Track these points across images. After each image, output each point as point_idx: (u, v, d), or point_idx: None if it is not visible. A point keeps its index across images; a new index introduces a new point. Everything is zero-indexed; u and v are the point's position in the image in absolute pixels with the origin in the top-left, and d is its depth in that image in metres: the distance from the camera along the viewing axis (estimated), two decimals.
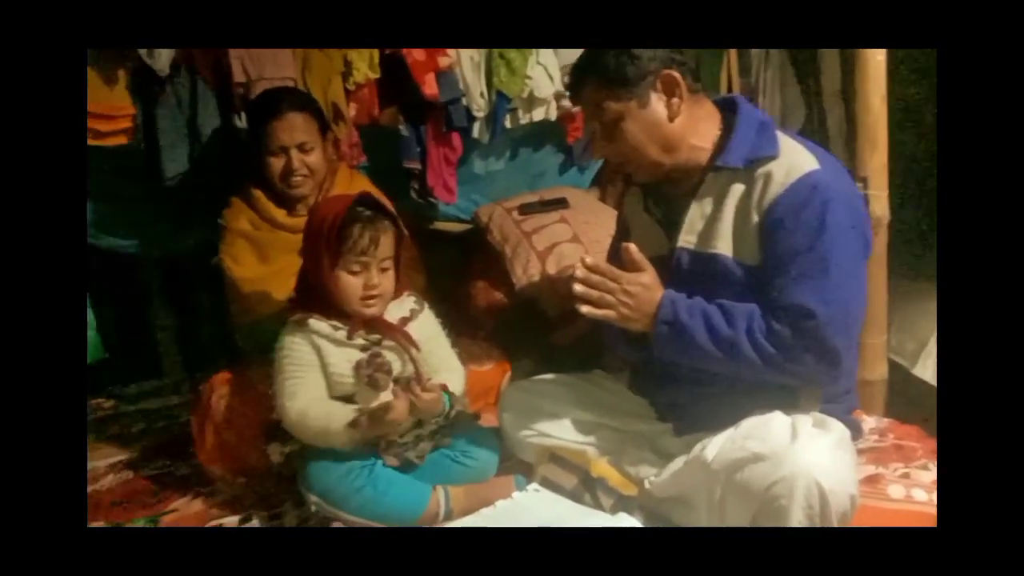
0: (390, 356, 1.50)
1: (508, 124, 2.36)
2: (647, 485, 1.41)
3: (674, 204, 1.44)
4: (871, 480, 1.46)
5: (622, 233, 1.61)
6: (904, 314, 2.13)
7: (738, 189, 1.35)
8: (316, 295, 1.51)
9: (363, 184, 1.98)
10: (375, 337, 1.51)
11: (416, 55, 2.11)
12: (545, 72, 2.31)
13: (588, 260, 1.33)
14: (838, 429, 1.27)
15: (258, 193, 1.86)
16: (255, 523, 1.62)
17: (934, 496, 1.38)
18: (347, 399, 1.50)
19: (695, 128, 1.39)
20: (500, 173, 2.54)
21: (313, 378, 1.49)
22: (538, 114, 2.39)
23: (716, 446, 1.29)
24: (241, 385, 1.75)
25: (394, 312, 1.56)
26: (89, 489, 1.82)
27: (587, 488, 1.47)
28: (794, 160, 1.32)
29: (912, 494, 1.43)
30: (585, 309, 1.31)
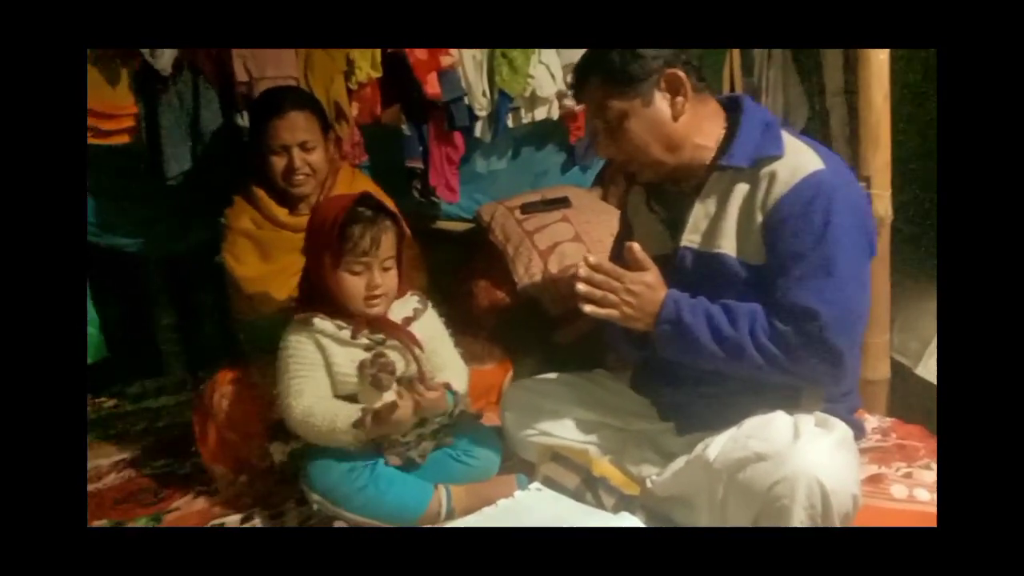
0: (394, 355, 1.50)
1: (510, 123, 2.36)
2: (649, 484, 1.41)
3: (678, 203, 1.44)
4: (874, 480, 1.46)
5: (625, 232, 1.61)
6: (907, 313, 2.12)
7: (742, 188, 1.35)
8: (320, 295, 1.51)
9: (365, 183, 1.98)
10: (379, 337, 1.51)
11: (418, 54, 2.11)
12: (547, 71, 2.31)
13: (591, 259, 1.32)
14: (840, 429, 1.27)
15: (260, 192, 1.86)
16: (257, 522, 1.62)
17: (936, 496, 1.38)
18: (351, 398, 1.50)
19: (699, 127, 1.38)
20: (502, 172, 2.54)
21: (318, 377, 1.49)
22: (540, 113, 2.39)
23: (718, 445, 1.29)
24: (243, 384, 1.75)
25: (398, 311, 1.56)
26: (91, 488, 1.83)
27: (589, 487, 1.47)
28: (799, 160, 1.32)
29: (915, 494, 1.43)
30: (588, 308, 1.31)
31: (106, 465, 1.94)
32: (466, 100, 2.23)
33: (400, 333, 1.52)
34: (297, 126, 1.78)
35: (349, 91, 2.08)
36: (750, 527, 1.22)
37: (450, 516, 1.50)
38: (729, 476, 1.24)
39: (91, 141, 1.93)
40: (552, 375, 1.68)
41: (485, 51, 2.23)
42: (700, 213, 1.39)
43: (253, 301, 1.82)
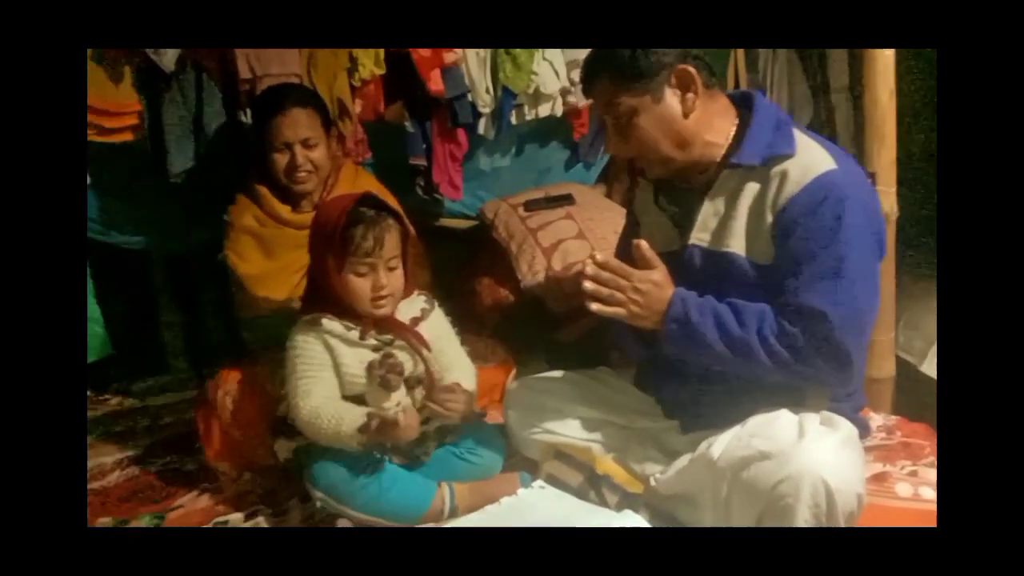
0: (402, 356, 1.50)
1: (514, 120, 2.36)
2: (653, 483, 1.41)
3: (686, 200, 1.43)
4: (878, 478, 1.45)
5: (632, 228, 1.60)
6: (912, 311, 2.12)
7: (753, 187, 1.33)
8: (325, 296, 1.50)
9: (368, 180, 1.98)
10: (387, 337, 1.51)
11: (422, 51, 2.10)
12: (551, 68, 2.30)
13: (598, 257, 1.31)
14: (845, 427, 1.26)
15: (263, 190, 1.86)
16: (260, 519, 1.62)
17: None
18: (359, 399, 1.50)
19: (709, 124, 1.37)
20: (506, 169, 2.54)
21: (326, 377, 1.48)
22: (544, 110, 2.38)
23: (722, 444, 1.28)
24: (247, 382, 1.75)
25: (405, 311, 1.56)
26: (96, 485, 1.83)
27: (592, 485, 1.47)
28: (811, 159, 1.30)
29: (920, 492, 1.42)
30: (595, 307, 1.30)
31: (110, 463, 1.94)
32: (470, 97, 2.22)
33: (408, 334, 1.52)
34: (299, 123, 1.78)
35: (352, 88, 2.08)
36: (752, 527, 1.22)
37: (453, 514, 1.50)
38: (733, 474, 1.24)
39: (95, 139, 1.94)
40: (555, 373, 1.68)
41: (489, 48, 2.22)
42: (709, 211, 1.38)
43: (256, 298, 1.82)
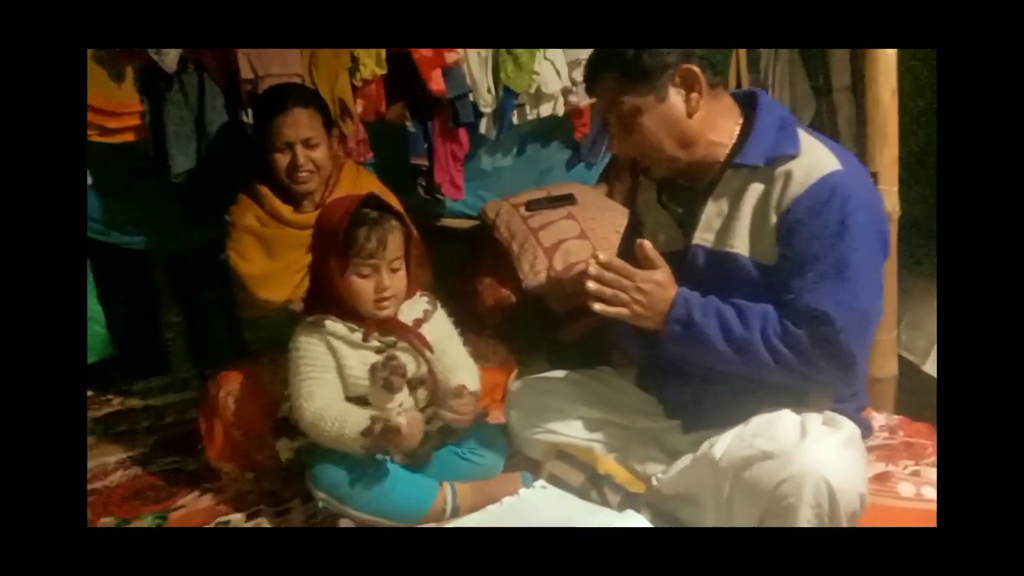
0: (404, 358, 1.50)
1: (515, 120, 2.36)
2: (654, 482, 1.40)
3: (690, 200, 1.42)
4: (881, 478, 1.45)
5: (634, 227, 1.59)
6: (915, 311, 2.11)
7: (757, 187, 1.33)
8: (328, 297, 1.50)
9: (370, 180, 1.98)
10: (390, 339, 1.50)
11: (423, 51, 2.10)
12: (552, 68, 2.30)
13: (601, 257, 1.31)
14: (848, 427, 1.26)
15: (264, 190, 1.86)
16: (262, 519, 1.62)
17: None
18: (361, 400, 1.50)
19: (714, 123, 1.36)
20: (507, 169, 2.54)
21: (329, 379, 1.48)
22: (545, 110, 2.38)
23: (724, 444, 1.28)
24: (249, 382, 1.75)
25: (408, 313, 1.55)
26: (98, 485, 1.83)
27: (594, 485, 1.47)
28: (815, 160, 1.30)
29: (922, 492, 1.42)
30: (598, 307, 1.30)
31: (112, 463, 1.94)
32: (471, 97, 2.22)
33: (411, 335, 1.52)
34: (300, 123, 1.78)
35: (354, 88, 2.08)
36: (752, 527, 1.21)
37: (455, 514, 1.50)
38: (735, 474, 1.24)
39: (97, 139, 1.94)
40: (557, 373, 1.68)
41: (490, 48, 2.22)
42: (713, 211, 1.37)
43: (258, 298, 1.83)
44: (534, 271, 2.15)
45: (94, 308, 2.22)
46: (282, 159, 1.80)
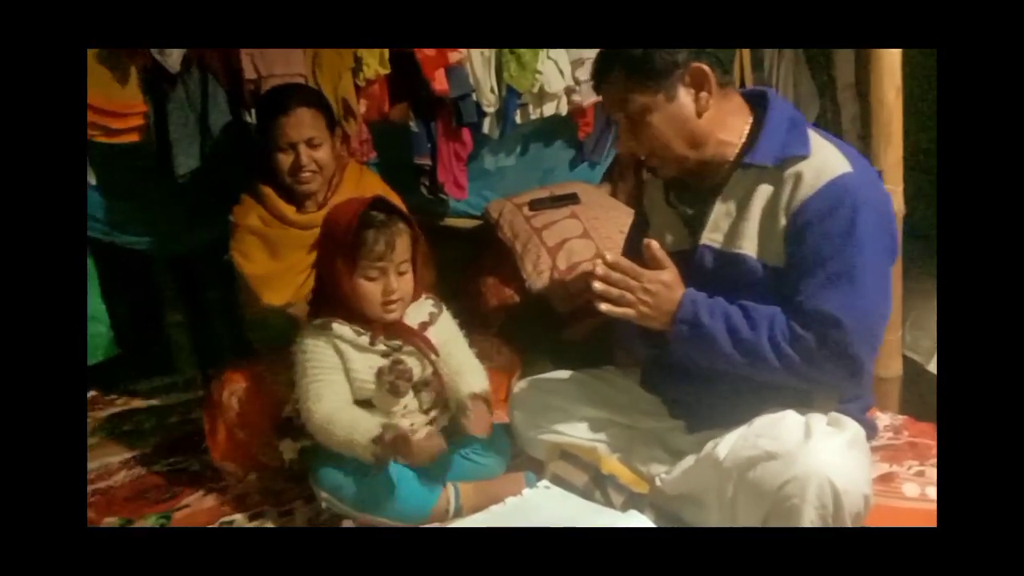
0: (410, 362, 1.49)
1: (518, 119, 2.35)
2: (658, 483, 1.40)
3: (698, 199, 1.41)
4: (885, 478, 1.45)
5: (640, 226, 1.58)
6: (919, 311, 2.11)
7: (766, 188, 1.32)
8: (334, 300, 1.49)
9: (373, 180, 1.98)
10: (396, 343, 1.50)
11: (426, 51, 2.10)
12: (555, 67, 2.29)
13: (609, 257, 1.30)
14: (852, 428, 1.26)
15: (267, 190, 1.86)
16: (266, 520, 1.62)
17: None
18: (367, 404, 1.49)
19: (723, 123, 1.35)
20: (510, 169, 2.54)
21: (338, 381, 1.47)
22: (548, 109, 2.38)
23: (728, 444, 1.28)
24: (253, 382, 1.75)
25: (413, 316, 1.55)
26: (101, 485, 1.84)
27: (597, 485, 1.47)
28: (825, 161, 1.29)
29: (927, 492, 1.42)
30: (604, 307, 1.29)
31: (116, 463, 1.95)
32: (474, 96, 2.22)
33: (417, 339, 1.52)
34: (303, 123, 1.78)
35: (357, 88, 2.08)
36: (754, 527, 1.21)
37: (458, 514, 1.50)
38: (739, 475, 1.23)
39: (100, 140, 1.94)
40: (561, 373, 1.67)
41: (493, 48, 2.22)
42: (721, 211, 1.36)
43: (261, 298, 1.83)
44: (537, 271, 2.15)
45: (98, 308, 2.23)
46: (285, 159, 1.80)
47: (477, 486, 1.54)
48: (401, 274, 1.49)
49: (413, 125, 2.22)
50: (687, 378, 1.43)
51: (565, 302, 2.11)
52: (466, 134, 2.28)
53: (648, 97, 1.32)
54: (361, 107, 2.11)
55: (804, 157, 1.30)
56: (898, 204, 1.85)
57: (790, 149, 1.31)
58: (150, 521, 1.66)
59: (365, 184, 1.93)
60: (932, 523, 1.18)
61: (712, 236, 1.37)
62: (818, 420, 1.26)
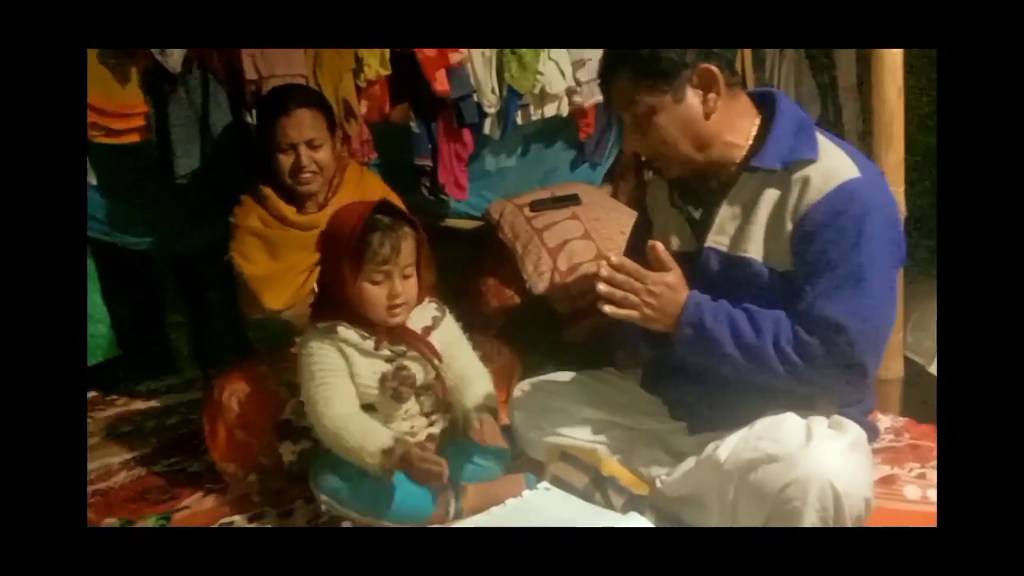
0: (414, 366, 1.49)
1: (519, 120, 2.35)
2: (658, 484, 1.40)
3: (703, 200, 1.40)
4: (887, 481, 1.44)
5: (643, 226, 1.57)
6: (921, 312, 2.10)
7: (773, 192, 1.31)
8: (338, 304, 1.48)
9: (373, 181, 1.98)
10: (400, 348, 1.49)
11: (427, 51, 2.10)
12: (556, 68, 2.29)
13: (613, 259, 1.29)
14: (854, 431, 1.25)
15: (268, 191, 1.86)
16: (266, 521, 1.62)
17: None
18: (368, 407, 1.49)
19: (731, 124, 1.34)
20: (511, 169, 2.54)
21: (345, 384, 1.46)
22: (549, 110, 2.37)
23: (729, 446, 1.27)
24: (253, 383, 1.75)
25: (416, 320, 1.54)
26: (102, 486, 1.84)
27: (598, 487, 1.46)
28: (834, 166, 1.28)
29: (928, 495, 1.41)
30: (608, 309, 1.28)
31: (116, 463, 1.95)
32: (475, 97, 2.22)
33: (420, 344, 1.51)
34: (304, 124, 1.78)
35: (358, 89, 2.08)
36: (752, 527, 1.21)
37: (458, 516, 1.49)
38: (740, 477, 1.23)
39: (101, 140, 1.94)
40: (561, 374, 1.67)
41: (494, 48, 2.22)
42: (727, 214, 1.36)
43: (261, 299, 1.82)
44: (538, 272, 2.15)
45: (99, 309, 2.23)
46: (285, 160, 1.80)
47: (477, 488, 1.53)
48: (406, 278, 1.48)
49: (414, 126, 2.22)
50: (688, 379, 1.42)
51: (566, 303, 2.11)
52: (467, 135, 2.28)
53: (655, 98, 1.31)
54: (362, 108, 2.11)
55: (812, 161, 1.29)
56: (900, 205, 1.84)
57: (798, 152, 1.30)
58: (150, 522, 1.66)
59: (366, 185, 1.93)
60: (933, 525, 1.18)
61: (717, 239, 1.36)
62: (819, 422, 1.25)
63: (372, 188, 1.94)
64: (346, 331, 1.47)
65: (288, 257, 1.83)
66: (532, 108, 2.35)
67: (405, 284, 1.48)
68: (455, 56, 2.14)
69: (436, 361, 1.51)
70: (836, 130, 2.66)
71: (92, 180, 2.03)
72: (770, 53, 2.67)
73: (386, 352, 1.48)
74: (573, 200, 2.32)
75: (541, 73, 2.27)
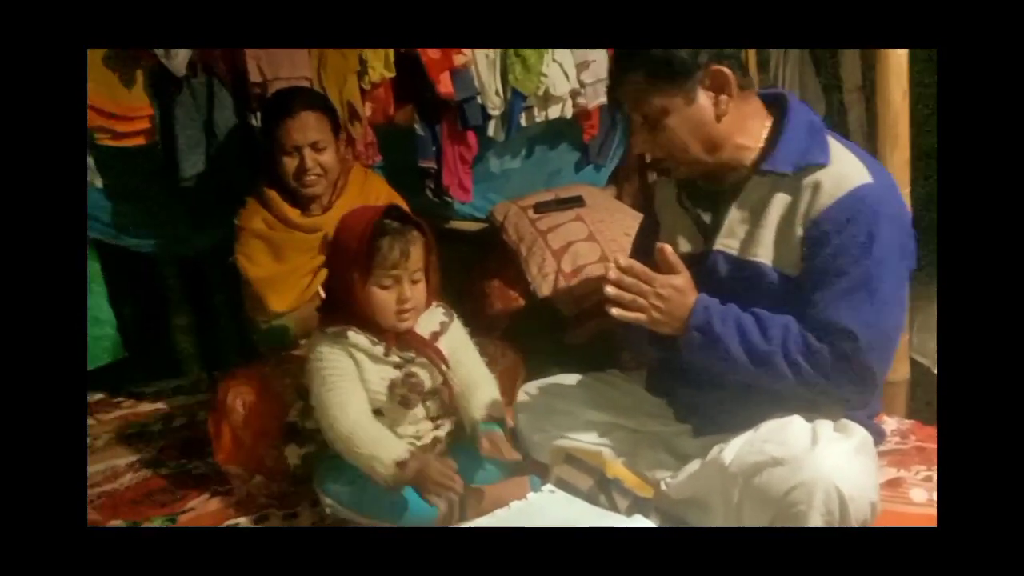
0: (421, 372, 1.49)
1: (523, 122, 2.35)
2: (663, 487, 1.39)
3: (712, 202, 1.39)
4: (893, 484, 1.44)
5: (649, 228, 1.56)
6: (926, 313, 2.09)
7: (783, 197, 1.30)
8: (347, 309, 1.47)
9: (378, 183, 1.98)
10: (409, 355, 1.49)
11: (431, 53, 2.10)
12: (560, 70, 2.29)
13: (622, 261, 1.28)
14: (859, 434, 1.24)
15: (272, 193, 1.86)
16: (271, 522, 1.63)
17: None
18: (375, 412, 1.49)
19: (742, 127, 1.33)
20: (515, 171, 2.54)
21: (357, 389, 1.45)
22: (554, 112, 2.38)
23: (734, 449, 1.27)
24: (258, 385, 1.75)
25: (424, 325, 1.54)
26: (108, 487, 1.84)
27: (602, 489, 1.46)
28: (845, 171, 1.27)
29: (934, 498, 1.40)
30: (616, 311, 1.27)
31: (122, 465, 1.95)
32: (479, 99, 2.22)
33: (428, 350, 1.50)
34: (308, 126, 1.78)
35: (362, 91, 2.09)
36: (753, 528, 1.20)
37: (463, 519, 1.49)
38: (745, 480, 1.22)
39: (107, 143, 1.95)
40: (565, 376, 1.67)
41: (498, 50, 2.22)
42: (736, 218, 1.35)
43: (266, 301, 1.83)
44: (543, 274, 2.15)
45: (105, 311, 2.24)
46: (290, 162, 1.80)
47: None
48: (415, 282, 1.47)
49: (418, 128, 2.22)
50: (694, 382, 1.42)
51: (570, 305, 2.10)
52: (471, 137, 2.29)
53: (667, 99, 1.29)
54: (366, 110, 2.11)
55: (823, 165, 1.28)
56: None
57: (809, 157, 1.29)
58: (155, 524, 1.66)
59: (370, 187, 1.93)
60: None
61: (727, 242, 1.35)
62: (825, 426, 1.25)
63: (376, 190, 1.94)
64: (356, 336, 1.46)
65: (292, 259, 1.84)
66: (536, 110, 2.36)
67: (414, 289, 1.47)
68: (459, 58, 2.14)
69: (443, 367, 1.51)
70: (841, 131, 2.65)
71: (98, 183, 2.04)
72: (774, 54, 2.67)
73: (395, 358, 1.48)
74: (577, 202, 2.32)
75: (545, 75, 2.27)
